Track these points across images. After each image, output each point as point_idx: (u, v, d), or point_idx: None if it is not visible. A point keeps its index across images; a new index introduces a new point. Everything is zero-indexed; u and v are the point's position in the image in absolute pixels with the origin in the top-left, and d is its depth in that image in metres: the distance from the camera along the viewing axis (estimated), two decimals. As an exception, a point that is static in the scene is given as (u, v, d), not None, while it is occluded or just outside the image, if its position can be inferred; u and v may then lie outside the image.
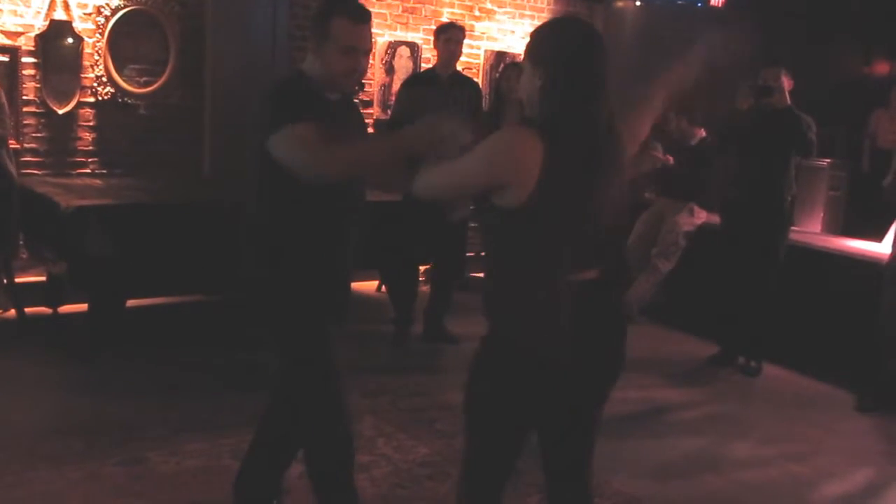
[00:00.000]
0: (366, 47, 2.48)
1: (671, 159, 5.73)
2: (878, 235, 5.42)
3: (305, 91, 2.42)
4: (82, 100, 5.57)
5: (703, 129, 5.99)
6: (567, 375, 2.06)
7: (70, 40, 5.45)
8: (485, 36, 7.26)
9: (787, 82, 4.83)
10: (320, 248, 2.52)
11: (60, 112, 5.47)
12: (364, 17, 2.45)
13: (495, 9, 7.25)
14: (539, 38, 2.10)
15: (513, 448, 2.16)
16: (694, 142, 6.00)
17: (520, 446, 2.17)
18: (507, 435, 2.15)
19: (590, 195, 2.02)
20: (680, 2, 7.55)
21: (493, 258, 2.14)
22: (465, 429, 2.19)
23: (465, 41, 5.30)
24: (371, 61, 6.71)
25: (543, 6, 7.53)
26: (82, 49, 5.50)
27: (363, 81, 2.77)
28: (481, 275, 2.34)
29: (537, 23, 7.47)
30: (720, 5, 7.50)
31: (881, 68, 9.72)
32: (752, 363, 5.09)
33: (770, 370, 5.10)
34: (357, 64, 2.44)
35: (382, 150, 2.43)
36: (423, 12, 6.89)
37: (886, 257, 4.71)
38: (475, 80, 6.40)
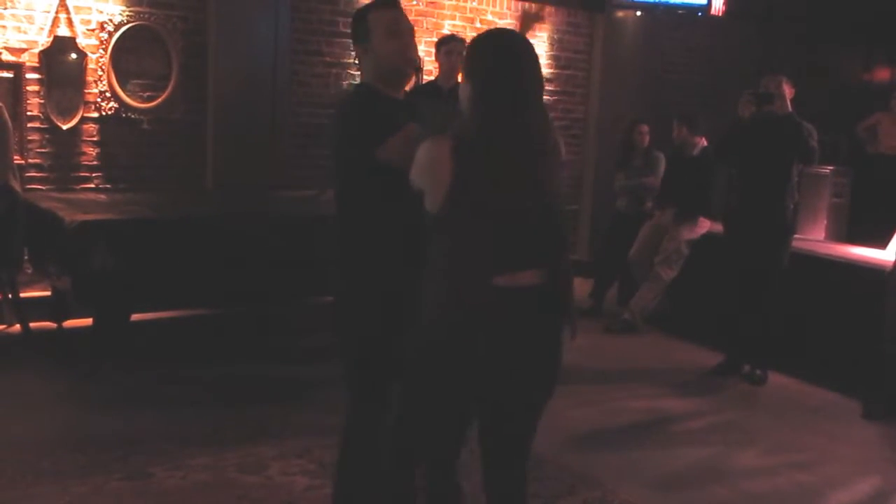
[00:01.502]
0: (406, 26, 2.55)
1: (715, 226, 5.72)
2: (882, 242, 5.42)
3: (378, 104, 2.49)
4: (86, 115, 5.59)
5: (704, 139, 6.00)
6: (490, 376, 2.13)
7: (73, 56, 5.48)
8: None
9: (787, 90, 4.83)
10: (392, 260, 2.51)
11: (64, 127, 5.49)
12: (394, 3, 2.57)
13: (496, 20, 7.27)
14: (469, 50, 2.18)
15: (451, 410, 2.24)
16: (696, 151, 6.00)
17: (456, 413, 2.24)
18: (446, 394, 2.21)
19: (506, 206, 2.06)
20: (680, 11, 7.56)
21: (429, 262, 2.21)
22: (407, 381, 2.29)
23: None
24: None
25: (544, 17, 7.55)
26: (86, 65, 5.53)
27: (419, 66, 2.77)
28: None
29: (538, 34, 7.55)
30: (720, 14, 7.51)
31: (881, 74, 9.74)
32: (758, 372, 5.07)
33: (776, 378, 5.08)
34: (404, 41, 2.51)
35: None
36: (425, 25, 6.92)
37: (890, 264, 4.69)
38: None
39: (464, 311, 2.09)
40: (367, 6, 2.58)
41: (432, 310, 2.16)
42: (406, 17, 2.59)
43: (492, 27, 2.34)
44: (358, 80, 2.66)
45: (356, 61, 2.62)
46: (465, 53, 2.17)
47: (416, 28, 7.59)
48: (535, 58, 2.15)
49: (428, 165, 2.09)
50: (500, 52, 2.11)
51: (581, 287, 6.92)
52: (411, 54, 2.56)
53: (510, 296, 2.10)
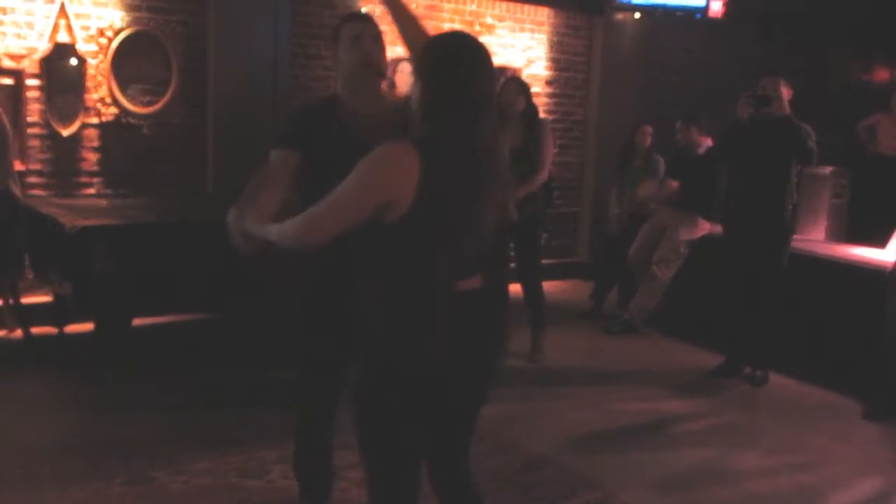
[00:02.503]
0: (371, 33, 2.69)
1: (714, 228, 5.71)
2: (881, 242, 5.42)
3: (316, 112, 2.73)
4: (86, 121, 5.61)
5: (709, 139, 6.00)
6: (445, 383, 2.11)
7: (73, 62, 5.49)
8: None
9: (785, 91, 4.84)
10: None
11: (65, 133, 5.50)
12: (364, 17, 2.79)
13: (496, 23, 7.29)
14: (421, 52, 2.13)
15: (415, 464, 2.19)
16: (701, 151, 6.00)
17: (417, 460, 2.20)
18: (407, 453, 2.16)
19: (467, 210, 2.04)
20: (679, 13, 7.57)
21: (370, 275, 2.13)
22: (364, 461, 2.18)
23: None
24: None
25: (543, 20, 7.56)
26: (85, 70, 5.54)
27: (382, 72, 2.80)
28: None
29: (538, 37, 7.56)
30: (719, 16, 7.52)
31: (881, 75, 9.74)
32: (759, 373, 5.07)
33: (776, 379, 5.08)
34: (364, 48, 2.66)
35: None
36: (424, 28, 6.93)
37: (890, 264, 4.70)
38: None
39: (428, 319, 2.04)
40: (342, 19, 2.80)
41: (383, 326, 2.08)
42: (375, 28, 2.73)
43: (441, 32, 2.30)
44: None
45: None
46: (418, 55, 2.14)
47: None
48: (488, 64, 2.09)
49: (389, 173, 1.99)
50: (452, 55, 2.06)
51: (582, 289, 6.93)
52: (368, 60, 2.67)
53: (467, 299, 2.10)
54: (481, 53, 2.09)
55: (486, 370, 2.23)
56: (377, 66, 2.71)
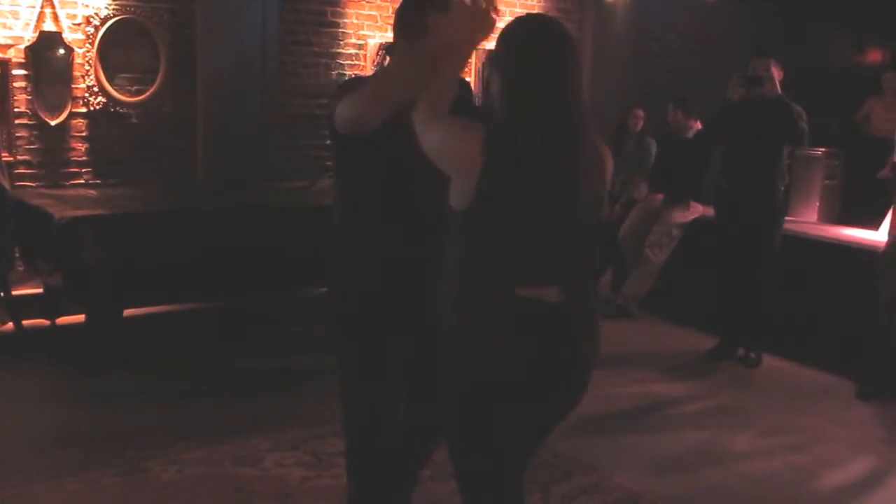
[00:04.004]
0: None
1: (707, 210, 5.63)
2: (874, 223, 5.42)
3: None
4: (74, 110, 5.56)
5: (698, 122, 5.99)
6: (513, 392, 1.95)
7: (60, 51, 5.44)
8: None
9: (776, 72, 4.83)
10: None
11: (52, 123, 5.46)
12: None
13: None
14: (500, 41, 1.97)
15: (509, 470, 2.07)
16: (690, 134, 5.99)
17: (513, 464, 2.07)
18: (498, 455, 2.02)
19: (539, 208, 1.89)
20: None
21: (446, 260, 2.02)
22: (457, 470, 2.08)
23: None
24: (362, 63, 6.71)
25: (534, 3, 7.53)
26: (73, 60, 5.49)
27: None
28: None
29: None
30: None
31: (874, 56, 9.73)
32: (752, 354, 5.08)
33: (770, 361, 5.09)
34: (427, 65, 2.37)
35: (406, 61, 2.14)
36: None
37: (883, 245, 4.70)
38: (467, 79, 6.39)
39: (489, 318, 1.91)
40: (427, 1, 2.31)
41: (454, 322, 1.97)
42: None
43: (518, 16, 2.15)
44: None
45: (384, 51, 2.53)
46: (495, 42, 1.95)
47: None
48: (572, 47, 1.94)
49: (456, 154, 1.89)
50: (534, 39, 1.91)
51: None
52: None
53: (535, 307, 1.91)
54: (563, 38, 1.93)
55: (560, 394, 2.02)
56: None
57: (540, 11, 7.52)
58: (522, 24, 1.98)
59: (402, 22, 2.34)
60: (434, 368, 2.07)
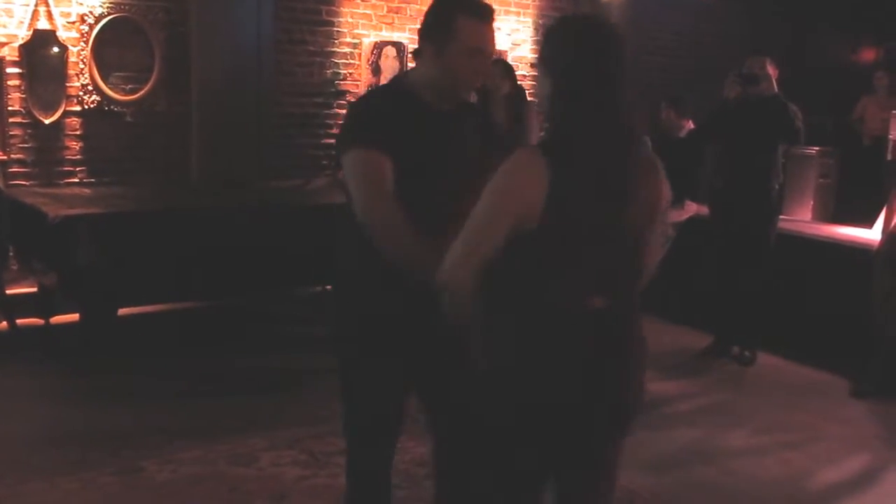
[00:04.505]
0: (491, 48, 2.23)
1: (702, 209, 5.58)
2: (868, 222, 5.44)
3: (393, 104, 2.19)
4: (68, 109, 5.55)
5: (690, 121, 5.99)
6: (574, 416, 1.87)
7: (55, 49, 5.43)
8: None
9: (772, 71, 4.84)
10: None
11: (47, 122, 5.45)
12: (488, 14, 2.19)
13: (499, 8, 7.23)
14: (546, 40, 1.88)
15: (529, 494, 1.98)
16: (682, 133, 6.00)
17: (535, 492, 1.99)
18: (522, 483, 1.95)
19: (603, 218, 1.82)
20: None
21: (490, 287, 1.90)
22: (473, 476, 2.04)
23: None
24: (357, 62, 6.71)
25: (528, 2, 7.53)
26: (67, 58, 5.48)
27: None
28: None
29: (523, 20, 7.52)
30: (706, -2, 7.51)
31: (868, 55, 9.75)
32: (747, 353, 5.09)
33: (764, 359, 5.10)
34: (482, 67, 2.24)
35: (412, 263, 2.07)
36: (408, 12, 6.88)
37: (876, 243, 4.72)
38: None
39: (554, 341, 1.83)
40: (460, 3, 2.18)
41: (505, 349, 1.88)
42: (493, 32, 2.23)
43: (567, 15, 2.13)
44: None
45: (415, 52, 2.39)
46: (542, 42, 1.88)
47: (399, 15, 7.56)
48: (623, 49, 1.84)
49: (518, 187, 1.78)
50: (589, 41, 1.82)
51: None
52: (479, 81, 2.35)
53: (590, 319, 1.86)
54: (610, 37, 1.84)
55: (610, 406, 1.94)
56: (478, 84, 2.51)
57: (535, 8, 7.53)
58: (572, 27, 1.90)
59: (429, 26, 2.20)
60: (446, 384, 2.16)
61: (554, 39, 1.88)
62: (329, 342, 2.46)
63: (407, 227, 2.07)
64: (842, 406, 4.48)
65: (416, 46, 2.31)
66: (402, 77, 2.34)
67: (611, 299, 1.88)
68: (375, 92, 2.40)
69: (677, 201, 5.91)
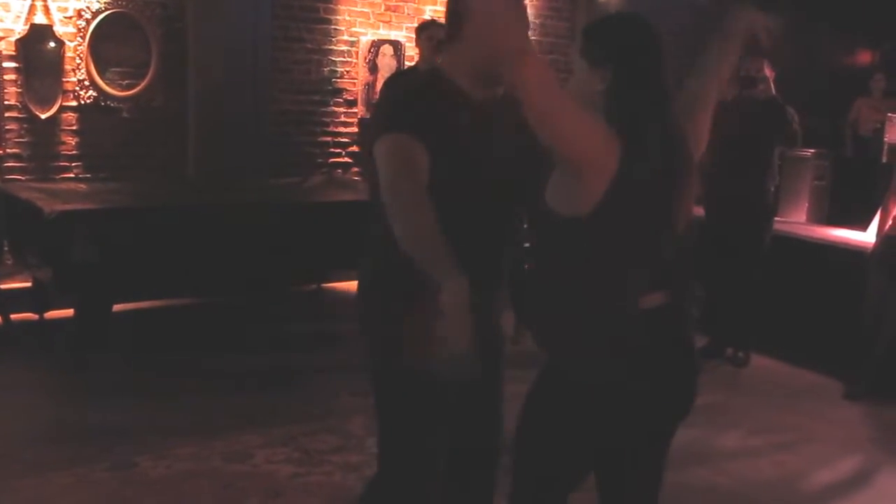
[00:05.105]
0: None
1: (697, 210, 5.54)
2: (862, 224, 5.45)
3: (436, 90, 2.05)
4: (65, 104, 5.54)
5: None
6: (635, 410, 1.90)
7: (51, 44, 5.41)
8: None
9: (769, 72, 4.85)
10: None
11: (43, 117, 5.43)
12: None
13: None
14: (598, 36, 1.90)
15: (569, 485, 2.02)
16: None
17: (577, 482, 2.03)
18: (566, 473, 1.99)
19: (660, 209, 1.84)
20: (664, -3, 7.54)
21: (549, 278, 1.92)
22: (518, 464, 2.03)
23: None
24: (354, 60, 6.70)
25: (527, 2, 7.52)
26: (63, 53, 5.46)
27: None
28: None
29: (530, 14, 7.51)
30: (704, -1, 7.50)
31: (863, 57, 9.77)
32: (740, 354, 5.11)
33: (758, 360, 5.12)
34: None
35: (426, 258, 1.86)
36: (406, 10, 6.88)
37: (871, 246, 4.73)
38: None
39: (622, 341, 1.84)
40: None
41: (567, 344, 1.88)
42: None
43: (613, 13, 2.30)
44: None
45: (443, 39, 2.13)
46: (588, 39, 1.89)
47: (396, 13, 7.55)
48: (664, 45, 1.91)
49: (589, 148, 1.75)
50: (645, 37, 1.89)
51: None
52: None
53: (647, 317, 1.87)
54: (658, 34, 1.92)
55: (676, 400, 1.99)
56: None
57: (532, 8, 7.53)
58: (628, 24, 1.95)
59: (453, 16, 2.08)
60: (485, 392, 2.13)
61: (608, 36, 1.90)
62: (366, 363, 2.23)
63: (431, 215, 1.85)
64: (835, 408, 4.49)
65: (448, 28, 2.09)
66: (436, 68, 2.15)
67: (661, 298, 1.90)
68: (413, 75, 2.24)
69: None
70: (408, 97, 2.08)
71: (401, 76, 2.25)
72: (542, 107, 1.73)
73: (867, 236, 5.19)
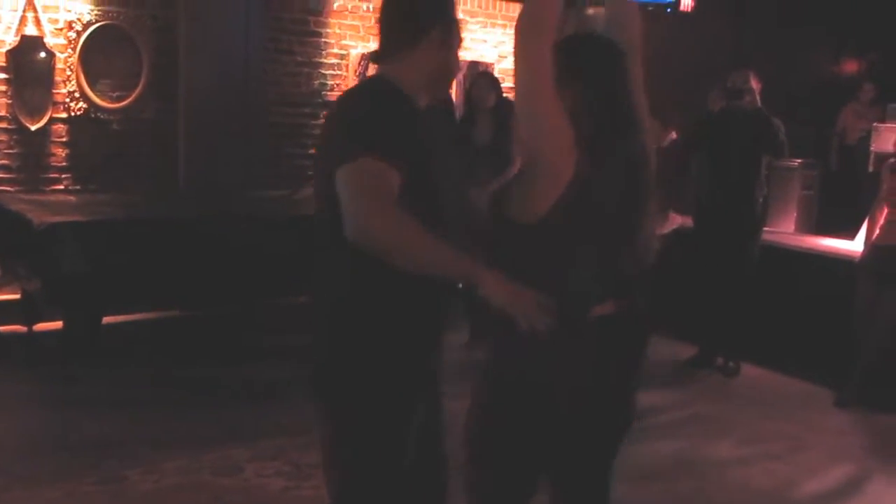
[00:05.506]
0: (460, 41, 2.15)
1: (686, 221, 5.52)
2: (850, 233, 5.49)
3: (396, 106, 1.97)
4: (55, 115, 5.53)
5: (674, 132, 6.02)
6: (574, 420, 1.92)
7: (42, 55, 5.41)
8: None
9: (756, 84, 4.88)
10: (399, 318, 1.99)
11: (33, 128, 5.43)
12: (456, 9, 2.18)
13: (467, 18, 7.27)
14: (561, 56, 1.87)
15: (521, 487, 2.02)
16: (664, 144, 6.02)
17: (527, 485, 2.03)
18: (514, 472, 2.00)
19: (614, 225, 1.87)
20: (650, 7, 7.60)
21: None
22: (469, 462, 2.03)
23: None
24: (344, 73, 6.72)
25: (515, 15, 7.55)
26: (54, 64, 5.46)
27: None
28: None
29: (510, 32, 7.53)
30: (689, 10, 7.56)
31: (850, 66, 9.84)
32: (731, 363, 5.12)
33: (749, 370, 5.13)
34: (457, 58, 2.12)
35: (445, 262, 1.85)
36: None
37: (859, 255, 4.76)
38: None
39: (569, 349, 1.86)
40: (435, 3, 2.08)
41: (514, 353, 1.90)
42: None
43: (573, 33, 2.16)
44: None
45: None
46: (554, 59, 1.85)
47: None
48: (626, 65, 1.93)
49: (554, 144, 1.79)
50: (607, 58, 1.92)
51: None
52: (458, 68, 2.20)
53: (600, 326, 1.90)
54: (621, 54, 1.94)
55: (610, 408, 2.00)
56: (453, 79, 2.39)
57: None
58: (588, 44, 1.99)
59: (432, 10, 2.07)
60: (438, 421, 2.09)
61: (571, 57, 1.89)
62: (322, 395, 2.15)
63: (422, 228, 1.81)
64: (826, 416, 4.51)
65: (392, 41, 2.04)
66: (383, 77, 2.04)
67: (612, 307, 1.91)
68: (371, 90, 2.05)
69: (661, 213, 5.95)
70: (370, 116, 1.92)
71: (356, 93, 2.15)
72: (529, 85, 1.81)
73: (855, 245, 5.22)
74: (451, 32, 2.05)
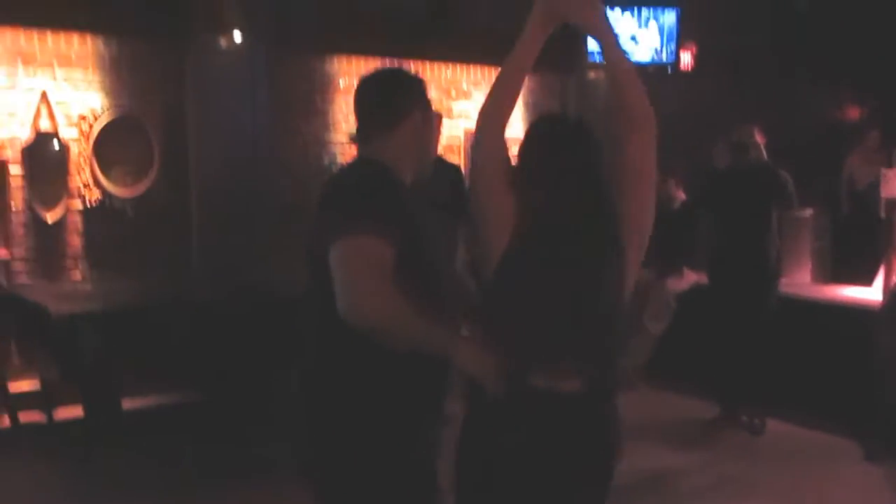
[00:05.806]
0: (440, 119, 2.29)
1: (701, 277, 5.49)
2: (867, 280, 5.44)
3: (385, 179, 2.03)
4: (70, 205, 5.62)
5: (682, 193, 6.06)
6: (530, 487, 1.89)
7: (56, 148, 5.53)
8: (463, 116, 7.37)
9: (760, 139, 4.92)
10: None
11: (50, 220, 5.51)
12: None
13: (471, 89, 7.40)
14: (530, 149, 2.06)
15: None
16: (675, 206, 6.06)
17: None
18: None
19: (559, 284, 1.87)
20: (650, 69, 7.73)
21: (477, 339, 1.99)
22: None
23: (445, 121, 5.34)
24: (353, 152, 6.80)
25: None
26: (68, 156, 5.58)
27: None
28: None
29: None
30: (689, 69, 7.69)
31: (851, 113, 9.90)
32: (756, 420, 5.03)
33: (774, 426, 5.04)
34: (436, 131, 2.30)
35: (429, 338, 1.90)
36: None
37: (878, 302, 4.72)
38: (456, 162, 6.43)
39: (494, 408, 1.86)
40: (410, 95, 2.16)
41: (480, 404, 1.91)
42: None
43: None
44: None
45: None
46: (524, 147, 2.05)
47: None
48: (580, 139, 2.10)
49: (496, 201, 1.94)
50: (539, 135, 2.08)
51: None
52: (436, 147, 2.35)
53: (546, 401, 1.87)
54: (562, 131, 2.18)
55: (576, 493, 1.98)
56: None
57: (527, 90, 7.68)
58: (533, 123, 2.15)
59: (410, 96, 2.19)
60: None
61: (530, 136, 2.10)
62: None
63: (413, 310, 1.84)
64: (854, 471, 4.41)
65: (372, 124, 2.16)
66: (368, 159, 2.13)
67: (577, 384, 1.89)
68: (359, 170, 2.14)
69: (675, 271, 5.95)
70: (361, 194, 1.98)
71: (345, 173, 2.23)
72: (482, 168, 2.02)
73: (873, 292, 5.18)
74: (426, 113, 2.15)
